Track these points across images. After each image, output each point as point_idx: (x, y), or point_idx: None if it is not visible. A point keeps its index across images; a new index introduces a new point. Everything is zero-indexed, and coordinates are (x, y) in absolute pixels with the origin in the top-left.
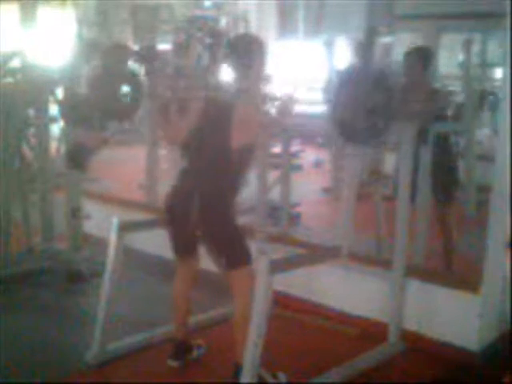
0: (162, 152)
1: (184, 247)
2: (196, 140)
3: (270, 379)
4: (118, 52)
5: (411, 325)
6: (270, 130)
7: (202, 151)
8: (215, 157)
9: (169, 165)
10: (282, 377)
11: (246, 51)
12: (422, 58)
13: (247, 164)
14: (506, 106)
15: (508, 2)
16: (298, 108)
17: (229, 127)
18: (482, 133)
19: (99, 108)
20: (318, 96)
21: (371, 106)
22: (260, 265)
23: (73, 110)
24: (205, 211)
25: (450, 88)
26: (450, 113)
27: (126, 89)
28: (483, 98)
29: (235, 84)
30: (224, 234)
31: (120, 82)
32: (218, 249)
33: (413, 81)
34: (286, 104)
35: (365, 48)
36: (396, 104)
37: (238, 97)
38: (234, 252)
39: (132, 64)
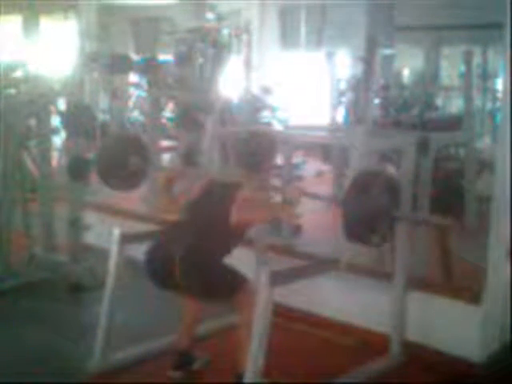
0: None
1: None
2: (194, 206)
3: None
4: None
5: (412, 335)
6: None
7: (196, 216)
8: (208, 223)
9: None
10: None
11: (256, 151)
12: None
13: (240, 237)
14: (505, 114)
15: (508, 13)
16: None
17: (231, 202)
18: (483, 141)
19: (107, 179)
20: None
21: (378, 209)
22: (261, 277)
23: (74, 121)
24: (187, 278)
25: None
26: None
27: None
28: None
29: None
30: (212, 293)
31: (129, 153)
32: (211, 302)
33: None
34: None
35: (366, 60)
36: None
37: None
38: (227, 293)
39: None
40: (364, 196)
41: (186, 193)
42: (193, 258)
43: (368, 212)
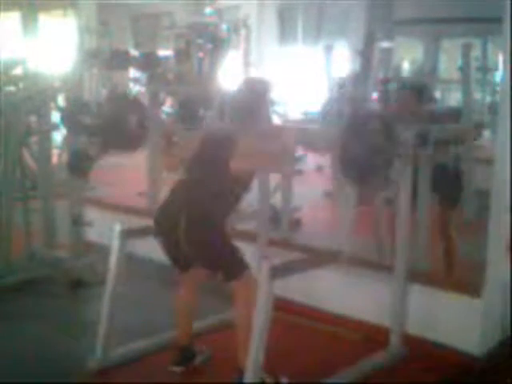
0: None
1: (179, 263)
2: (193, 160)
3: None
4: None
5: (413, 329)
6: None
7: (195, 170)
8: (208, 177)
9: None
10: (285, 382)
11: (250, 100)
12: (417, 96)
13: (240, 194)
14: (505, 108)
15: (508, 6)
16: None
17: (228, 154)
18: (483, 136)
19: (107, 141)
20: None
21: (376, 148)
22: (262, 270)
23: (74, 118)
24: (191, 234)
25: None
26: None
27: (133, 119)
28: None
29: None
30: (214, 252)
31: (128, 114)
32: (211, 266)
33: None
34: (289, 139)
35: (364, 54)
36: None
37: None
38: (229, 265)
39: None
40: (360, 136)
41: (185, 147)
42: (195, 215)
43: (365, 152)
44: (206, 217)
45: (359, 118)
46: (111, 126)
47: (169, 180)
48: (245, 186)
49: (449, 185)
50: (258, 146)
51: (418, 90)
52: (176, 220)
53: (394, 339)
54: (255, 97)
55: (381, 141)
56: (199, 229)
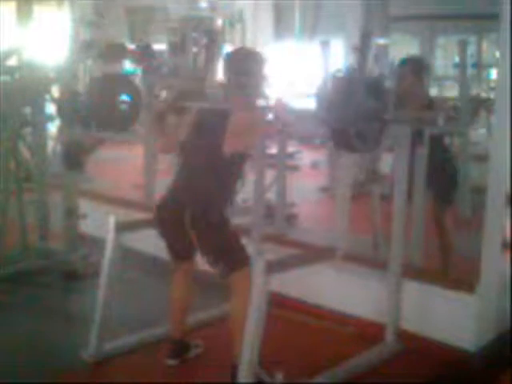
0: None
1: (178, 254)
2: (189, 144)
3: (267, 379)
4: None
5: (408, 325)
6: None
7: (193, 157)
8: (206, 163)
9: (165, 164)
10: (279, 377)
11: (244, 63)
12: (416, 68)
13: (239, 171)
14: (501, 105)
15: (507, 3)
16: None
17: (223, 133)
18: (479, 133)
19: (97, 118)
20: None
21: (364, 111)
22: (256, 266)
23: (70, 109)
24: (197, 221)
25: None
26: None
27: (124, 97)
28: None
29: (232, 95)
30: (218, 242)
31: (119, 91)
32: (214, 256)
33: (406, 90)
34: (281, 108)
35: (360, 51)
36: (389, 110)
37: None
38: (231, 257)
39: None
40: (348, 98)
41: (178, 128)
42: (200, 203)
43: (353, 116)
44: (211, 202)
45: (345, 80)
46: (101, 104)
47: (163, 171)
48: (245, 154)
49: (443, 182)
50: (250, 121)
51: (417, 65)
52: (181, 210)
53: (389, 335)
54: (255, 57)
55: (368, 100)
56: (205, 215)
